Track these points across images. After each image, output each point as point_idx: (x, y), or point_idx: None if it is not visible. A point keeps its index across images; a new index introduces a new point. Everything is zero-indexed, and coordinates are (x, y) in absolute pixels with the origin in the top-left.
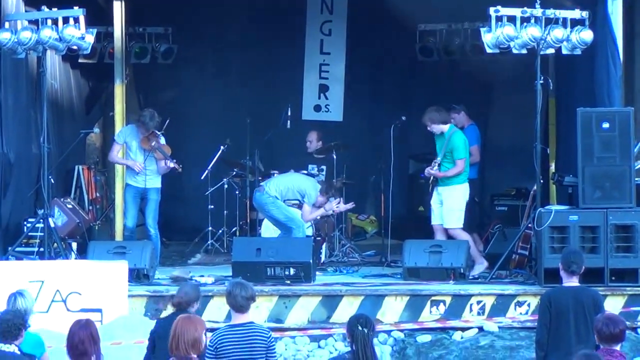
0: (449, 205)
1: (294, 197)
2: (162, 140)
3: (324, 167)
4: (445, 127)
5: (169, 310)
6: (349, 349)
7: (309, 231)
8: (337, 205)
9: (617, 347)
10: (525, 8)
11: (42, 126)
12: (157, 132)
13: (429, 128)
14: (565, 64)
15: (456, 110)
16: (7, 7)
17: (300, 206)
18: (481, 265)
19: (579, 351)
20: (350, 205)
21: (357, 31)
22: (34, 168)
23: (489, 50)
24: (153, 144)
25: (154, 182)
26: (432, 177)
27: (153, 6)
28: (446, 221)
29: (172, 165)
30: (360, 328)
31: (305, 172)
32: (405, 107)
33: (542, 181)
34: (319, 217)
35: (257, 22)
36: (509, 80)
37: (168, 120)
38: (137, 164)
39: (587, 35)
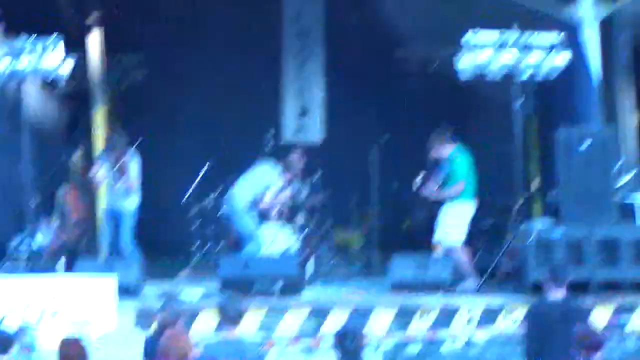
0: (449, 223)
1: (263, 189)
2: (133, 160)
3: (304, 183)
4: (450, 149)
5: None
6: None
7: (295, 247)
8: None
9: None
10: (501, 32)
11: (23, 152)
12: (126, 152)
13: (433, 152)
14: (544, 85)
15: (444, 131)
16: None
17: None
18: (471, 283)
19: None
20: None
21: (336, 54)
22: (17, 191)
23: (465, 75)
24: (118, 164)
25: (127, 204)
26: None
27: (130, 32)
28: (445, 238)
29: (122, 184)
30: (348, 341)
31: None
32: (388, 126)
33: (526, 197)
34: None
35: (235, 46)
36: (490, 100)
37: (140, 139)
38: (101, 175)
39: (564, 57)
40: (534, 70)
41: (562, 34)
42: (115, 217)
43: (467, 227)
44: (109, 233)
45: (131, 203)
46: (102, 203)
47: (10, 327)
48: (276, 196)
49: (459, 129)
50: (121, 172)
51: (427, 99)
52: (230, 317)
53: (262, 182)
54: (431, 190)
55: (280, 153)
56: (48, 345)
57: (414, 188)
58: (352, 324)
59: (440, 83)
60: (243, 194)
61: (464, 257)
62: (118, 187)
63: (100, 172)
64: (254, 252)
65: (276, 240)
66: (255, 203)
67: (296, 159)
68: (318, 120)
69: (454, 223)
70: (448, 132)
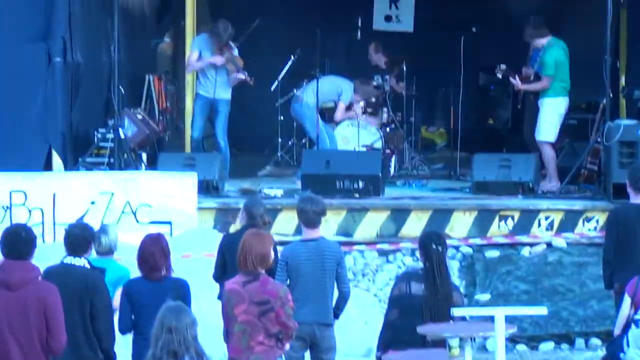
0: (540, 118)
1: (331, 99)
2: (235, 52)
3: (387, 76)
4: (544, 41)
5: (238, 225)
6: (416, 264)
7: (378, 144)
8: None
9: None
10: None
11: (113, 35)
12: (230, 43)
13: (532, 43)
14: None
15: (537, 21)
16: None
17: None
18: (554, 184)
19: None
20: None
21: None
22: (103, 76)
23: None
24: (226, 55)
25: (224, 93)
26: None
27: None
28: (538, 133)
29: (243, 77)
30: (434, 246)
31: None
32: (477, 18)
33: (611, 95)
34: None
35: None
36: None
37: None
38: (219, 58)
39: None
40: None
41: None
42: (209, 106)
43: (559, 124)
44: (200, 124)
45: (228, 94)
46: (191, 92)
47: (91, 224)
48: (346, 111)
49: (550, 20)
50: (236, 65)
51: None
52: (309, 219)
53: (336, 90)
54: (519, 81)
55: (369, 41)
56: (128, 240)
57: (498, 74)
58: (434, 226)
59: None
60: (311, 99)
61: (552, 154)
62: (227, 79)
63: (198, 60)
64: (336, 149)
65: (359, 137)
66: (321, 110)
67: (372, 50)
68: (409, 8)
69: (546, 119)
70: (541, 21)
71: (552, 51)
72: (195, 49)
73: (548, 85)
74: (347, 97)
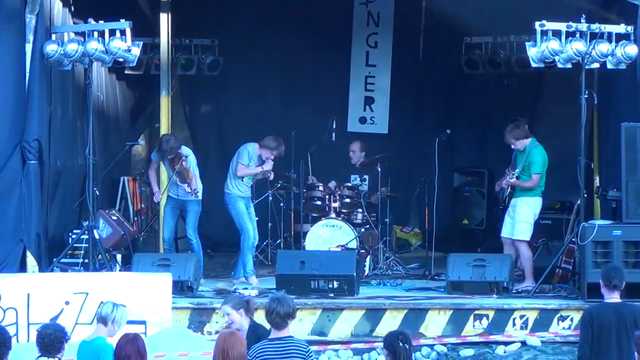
0: (518, 217)
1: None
2: (190, 161)
3: (366, 176)
4: (527, 141)
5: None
6: None
7: (353, 244)
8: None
9: None
10: (570, 22)
11: (88, 138)
12: (180, 152)
13: (513, 146)
14: (609, 78)
15: (519, 122)
16: (54, 19)
17: None
18: (529, 284)
19: None
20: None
21: (402, 43)
22: (79, 179)
23: (534, 65)
24: (176, 167)
25: (192, 196)
26: (507, 191)
27: (199, 18)
28: (514, 232)
29: (187, 190)
30: (401, 344)
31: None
32: (451, 119)
33: (586, 195)
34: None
35: (303, 35)
36: (554, 93)
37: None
38: (157, 194)
39: (632, 49)
40: (603, 59)
41: (632, 26)
42: (179, 207)
43: (532, 224)
44: (171, 225)
45: (199, 195)
46: (165, 193)
47: (64, 326)
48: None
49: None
50: (183, 177)
51: (493, 88)
52: (273, 320)
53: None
54: (507, 180)
55: (344, 142)
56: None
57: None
58: (403, 326)
59: (508, 72)
60: (232, 179)
61: (529, 254)
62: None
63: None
64: (246, 245)
65: (334, 237)
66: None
67: (357, 148)
68: (383, 110)
69: (523, 218)
70: (524, 124)
71: (537, 150)
72: (154, 159)
73: (537, 184)
74: (241, 157)
